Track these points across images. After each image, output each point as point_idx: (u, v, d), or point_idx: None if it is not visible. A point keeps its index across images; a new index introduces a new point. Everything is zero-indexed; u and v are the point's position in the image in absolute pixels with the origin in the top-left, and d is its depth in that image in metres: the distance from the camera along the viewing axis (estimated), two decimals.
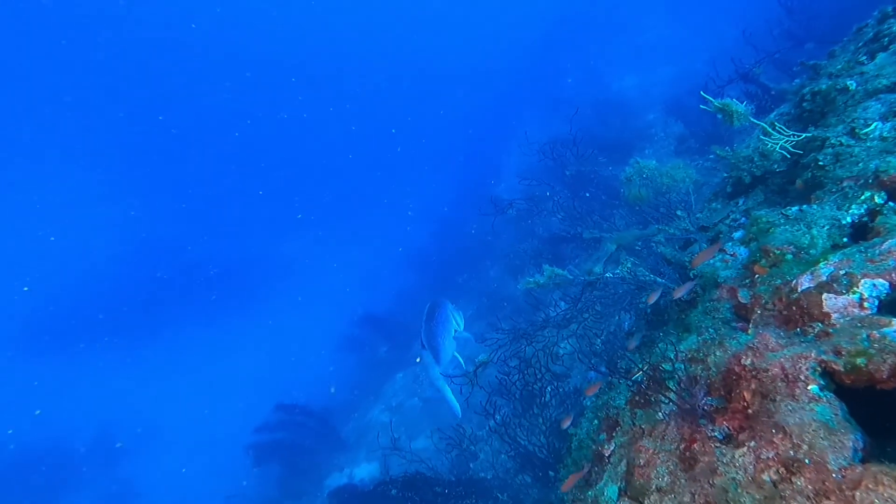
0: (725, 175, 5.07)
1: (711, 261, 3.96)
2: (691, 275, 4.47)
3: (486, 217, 22.02)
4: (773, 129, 3.89)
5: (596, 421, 4.04)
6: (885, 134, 3.31)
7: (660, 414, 3.15)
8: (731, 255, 3.84)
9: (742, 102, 3.91)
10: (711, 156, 10.22)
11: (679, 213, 5.35)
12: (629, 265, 4.92)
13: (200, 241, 34.65)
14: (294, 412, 15.31)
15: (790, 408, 2.22)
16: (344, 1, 47.72)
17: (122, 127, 41.20)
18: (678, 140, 12.32)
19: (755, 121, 3.95)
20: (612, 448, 3.47)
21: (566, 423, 4.54)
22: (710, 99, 3.93)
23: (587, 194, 13.27)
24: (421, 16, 47.58)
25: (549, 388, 8.61)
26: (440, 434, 12.76)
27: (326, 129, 45.19)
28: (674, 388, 3.16)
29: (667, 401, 3.10)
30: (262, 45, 45.07)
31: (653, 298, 4.30)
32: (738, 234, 4.02)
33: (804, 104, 4.36)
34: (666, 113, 14.10)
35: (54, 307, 30.79)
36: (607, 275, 5.00)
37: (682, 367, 3.18)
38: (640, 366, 4.01)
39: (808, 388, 2.23)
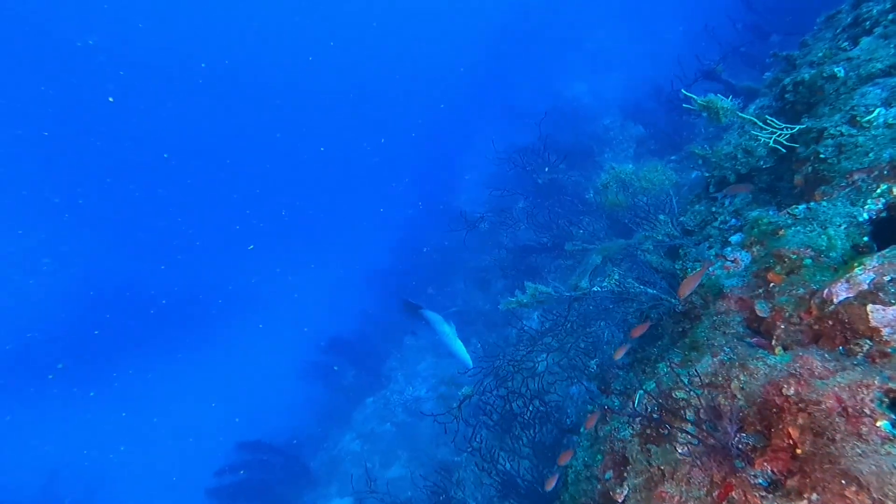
0: (707, 174, 4.80)
1: (711, 268, 3.61)
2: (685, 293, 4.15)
3: (447, 230, 21.72)
4: (764, 122, 3.60)
5: (599, 455, 3.60)
6: (890, 120, 3.05)
7: (679, 451, 2.74)
8: (733, 262, 3.50)
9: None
10: (673, 157, 10.15)
11: (662, 217, 5.04)
12: (616, 277, 4.55)
13: (149, 272, 32.90)
14: (258, 449, 14.41)
15: (858, 451, 1.84)
16: (298, 17, 46.83)
17: (57, 153, 38.84)
18: (637, 142, 12.28)
19: (744, 115, 3.65)
20: (624, 492, 3.04)
21: (564, 460, 4.06)
22: (694, 97, 3.62)
23: (554, 202, 13.02)
24: (368, 31, 47.17)
25: (530, 409, 8.18)
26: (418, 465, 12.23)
27: (278, 149, 44.05)
28: (692, 420, 2.77)
29: (687, 436, 2.69)
30: (206, 61, 43.55)
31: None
32: (736, 238, 3.70)
33: (786, 96, 4.12)
34: (623, 117, 14.09)
35: None
36: (595, 288, 4.60)
37: (700, 393, 2.79)
38: (642, 389, 3.64)
39: (878, 424, 1.85)
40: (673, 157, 10.01)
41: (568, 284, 4.78)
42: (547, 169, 15.62)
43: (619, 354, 3.66)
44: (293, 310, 27.72)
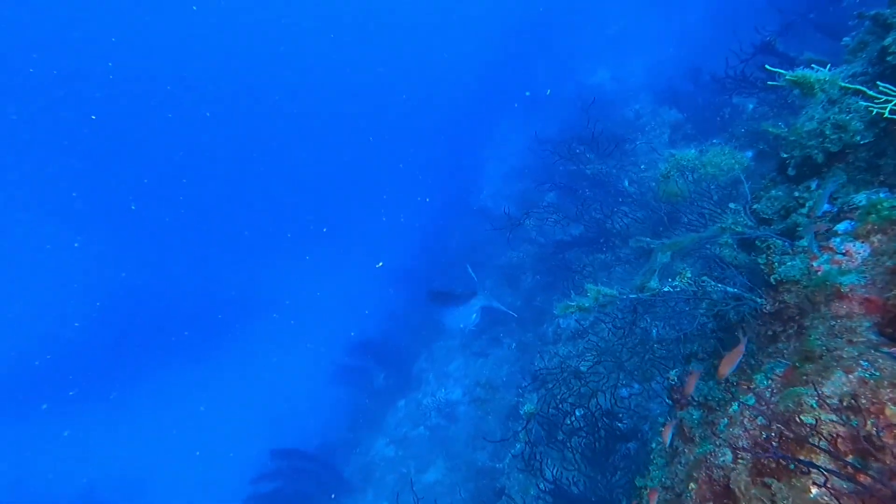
0: (785, 155, 4.26)
1: (818, 262, 3.10)
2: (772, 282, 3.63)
3: (470, 227, 21.25)
4: (864, 93, 3.07)
5: (692, 483, 3.12)
6: None
7: (814, 491, 2.26)
8: (845, 254, 2.99)
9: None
10: (716, 140, 9.53)
11: (732, 206, 4.52)
12: (689, 275, 4.06)
13: (167, 277, 33.00)
14: (292, 457, 14.16)
15: None
16: (308, 10, 46.53)
17: (59, 156, 38.98)
18: (672, 127, 11.66)
19: (851, 85, 3.14)
20: None
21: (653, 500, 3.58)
22: (783, 72, 3.12)
23: (586, 194, 12.46)
24: (379, 24, 46.73)
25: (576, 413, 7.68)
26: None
27: (294, 148, 43.93)
28: (825, 449, 2.28)
29: (825, 474, 2.20)
30: (219, 57, 43.54)
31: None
32: (844, 226, 3.18)
33: (888, 58, 3.59)
34: (655, 101, 13.48)
35: (5, 367, 28.71)
36: (666, 289, 4.12)
37: (836, 418, 2.30)
38: (738, 402, 3.14)
39: None
40: (716, 141, 9.40)
41: (632, 285, 4.27)
42: (572, 160, 15.08)
43: (725, 370, 3.12)
44: (319, 313, 27.52)
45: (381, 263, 24.37)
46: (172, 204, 39.05)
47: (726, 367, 3.10)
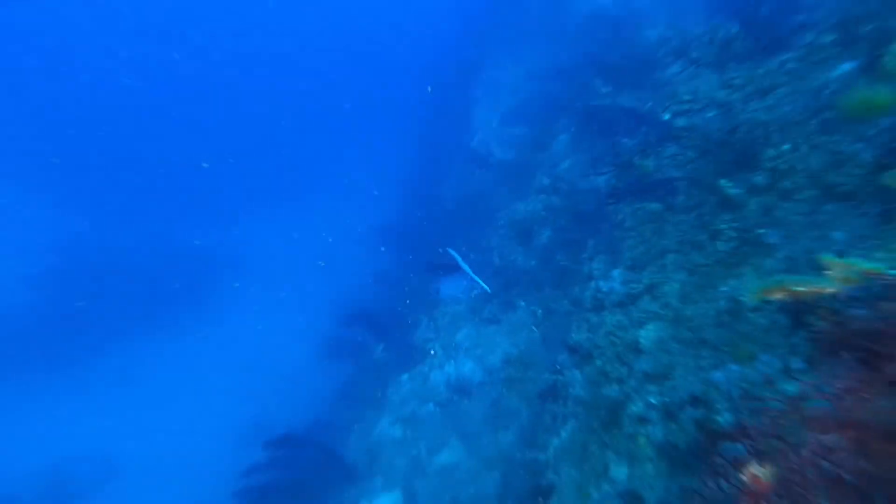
0: None
1: None
2: None
3: (465, 175, 19.41)
4: None
5: None
6: None
7: None
8: None
9: None
10: (786, 56, 7.81)
11: None
12: None
13: (132, 238, 30.39)
14: (285, 444, 12.73)
15: None
16: None
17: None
18: (720, 45, 9.86)
19: None
20: None
21: None
22: None
23: (611, 131, 10.74)
24: None
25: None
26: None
27: (263, 94, 40.91)
28: None
29: None
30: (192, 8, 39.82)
31: None
32: None
33: None
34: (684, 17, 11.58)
35: None
36: None
37: None
38: None
39: None
40: (786, 56, 7.68)
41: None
42: (591, 93, 13.30)
43: None
44: (299, 279, 25.68)
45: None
46: (129, 158, 36.18)
47: None
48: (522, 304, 12.23)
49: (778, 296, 2.74)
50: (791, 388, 4.25)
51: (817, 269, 4.24)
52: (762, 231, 5.53)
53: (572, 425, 7.23)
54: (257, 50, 42.58)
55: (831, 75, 6.43)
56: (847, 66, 6.13)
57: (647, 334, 6.49)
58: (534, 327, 11.55)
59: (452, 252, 11.25)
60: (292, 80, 41.48)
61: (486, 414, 11.06)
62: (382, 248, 19.83)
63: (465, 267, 10.94)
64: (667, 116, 9.12)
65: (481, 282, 11.11)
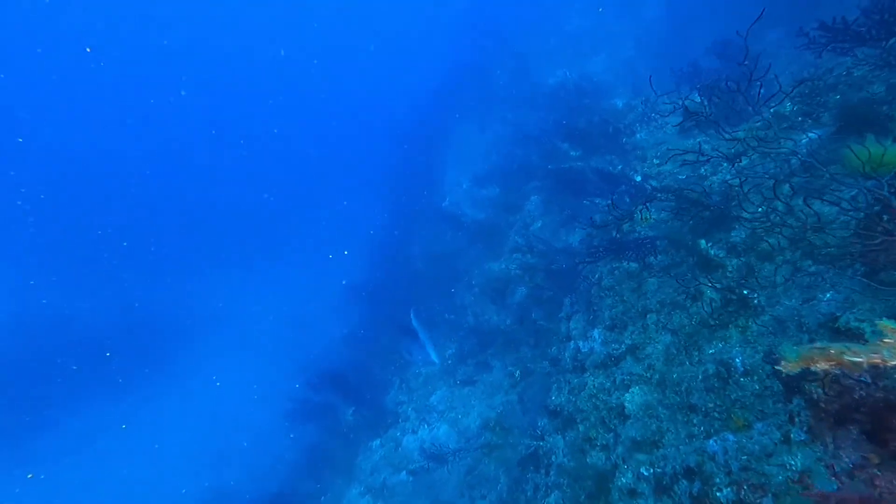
0: None
1: None
2: None
3: (435, 235, 19.43)
4: None
5: None
6: None
7: None
8: None
9: None
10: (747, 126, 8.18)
11: None
12: None
13: (81, 299, 28.97)
14: None
15: None
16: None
17: None
18: (684, 115, 10.31)
19: None
20: None
21: None
22: None
23: (581, 193, 10.95)
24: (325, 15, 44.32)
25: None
26: None
27: (233, 154, 40.77)
28: None
29: None
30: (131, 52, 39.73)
31: None
32: None
33: None
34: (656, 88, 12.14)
35: None
36: None
37: None
38: None
39: None
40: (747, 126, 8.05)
41: None
42: (560, 157, 13.64)
43: None
44: (263, 339, 24.76)
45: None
46: (90, 217, 35.11)
47: None
48: (498, 364, 11.95)
49: (822, 365, 2.59)
50: (794, 461, 4.10)
51: (834, 334, 4.20)
52: (746, 292, 5.53)
53: (556, 497, 6.86)
54: (228, 109, 42.79)
55: (800, 141, 6.72)
56: (814, 135, 6.40)
57: (633, 398, 6.31)
58: (510, 389, 11.25)
59: (413, 318, 11.26)
60: (265, 142, 41.62)
61: (462, 482, 10.51)
62: (351, 309, 19.37)
63: (422, 334, 10.92)
64: (638, 178, 9.35)
65: (432, 352, 11.02)
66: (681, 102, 10.20)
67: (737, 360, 5.14)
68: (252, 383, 20.98)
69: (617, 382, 6.86)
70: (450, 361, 12.91)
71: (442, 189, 22.02)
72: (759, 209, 6.24)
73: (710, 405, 5.20)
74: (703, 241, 6.35)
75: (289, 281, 30.74)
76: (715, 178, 7.45)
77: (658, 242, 6.91)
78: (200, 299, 31.57)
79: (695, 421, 5.29)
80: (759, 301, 5.38)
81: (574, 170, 11.87)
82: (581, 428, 7.04)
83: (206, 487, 16.38)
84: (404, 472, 11.70)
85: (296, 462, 15.10)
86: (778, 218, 5.79)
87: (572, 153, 13.43)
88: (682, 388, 5.65)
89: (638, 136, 11.18)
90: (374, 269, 22.11)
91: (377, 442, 12.86)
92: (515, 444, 8.59)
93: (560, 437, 7.48)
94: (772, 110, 7.46)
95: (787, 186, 5.93)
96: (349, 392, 14.68)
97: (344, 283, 22.40)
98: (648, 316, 6.92)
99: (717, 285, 5.97)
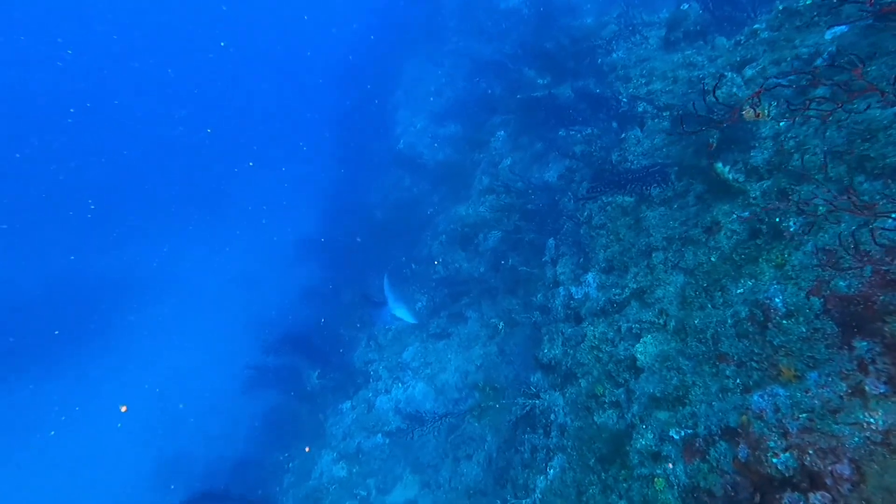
0: None
1: None
2: None
3: (394, 180, 18.12)
4: None
5: None
6: None
7: None
8: None
9: None
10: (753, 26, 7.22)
11: None
12: None
13: (11, 270, 26.44)
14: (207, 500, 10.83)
15: None
16: None
17: None
18: (668, 25, 9.26)
19: None
20: None
21: None
22: None
23: (556, 122, 9.94)
24: None
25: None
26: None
27: (168, 99, 37.48)
28: None
29: None
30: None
31: None
32: None
33: None
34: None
35: None
36: None
37: None
38: None
39: None
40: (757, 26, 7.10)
41: None
42: (528, 85, 12.50)
43: None
44: (215, 301, 23.18)
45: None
46: (17, 183, 31.90)
47: None
48: (474, 315, 11.15)
49: None
50: (873, 418, 3.40)
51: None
52: (778, 219, 4.72)
53: (561, 461, 6.18)
54: (162, 52, 38.99)
55: (823, 37, 5.83)
56: (841, 28, 5.52)
57: (645, 348, 5.56)
58: (488, 341, 10.52)
59: (386, 282, 10.40)
60: (200, 86, 38.30)
61: (445, 442, 9.85)
62: (309, 266, 18.08)
63: (395, 298, 10.07)
64: (624, 100, 8.36)
65: (408, 315, 10.22)
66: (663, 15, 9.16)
67: (776, 299, 4.38)
68: (204, 351, 19.64)
69: (622, 331, 6.10)
70: (422, 314, 12.02)
71: (395, 131, 20.49)
72: (781, 123, 5.40)
73: (746, 354, 4.47)
74: (719, 164, 5.47)
75: (236, 240, 28.86)
76: (719, 92, 6.53)
77: (668, 170, 5.99)
78: (140, 264, 29.38)
79: (727, 373, 4.56)
80: (796, 229, 4.58)
81: (543, 99, 10.76)
82: (583, 383, 6.31)
83: (158, 457, 15.30)
84: (380, 435, 10.97)
85: (259, 429, 14.19)
86: (809, 129, 4.95)
87: (540, 81, 12.27)
88: (708, 336, 4.90)
89: (615, 55, 10.10)
90: (330, 222, 20.69)
91: (347, 405, 12.02)
92: (505, 404, 7.84)
93: (558, 393, 6.75)
94: (781, 6, 6.51)
95: (819, 90, 5.06)
96: (312, 353, 13.69)
97: (295, 239, 20.93)
98: (654, 255, 6.11)
99: (741, 213, 5.16)
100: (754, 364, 4.35)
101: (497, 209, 10.98)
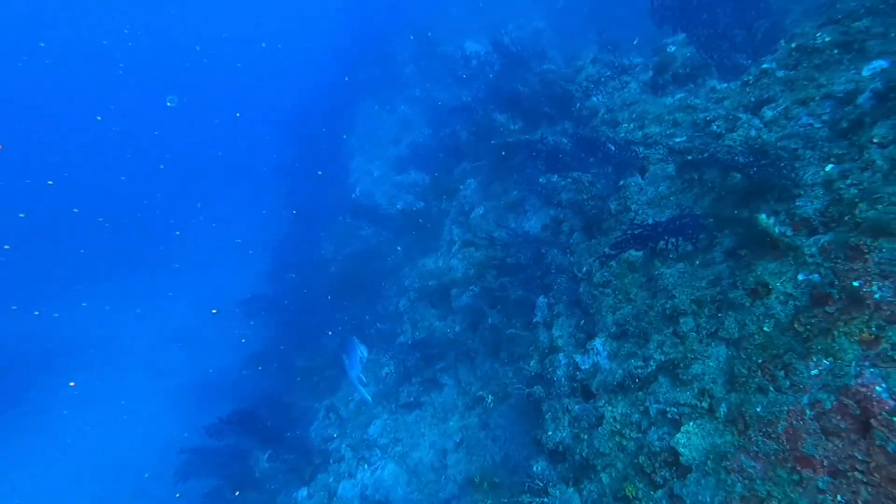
0: None
1: None
2: None
3: (348, 231, 16.91)
4: None
5: None
6: None
7: None
8: None
9: None
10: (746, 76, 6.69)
11: None
12: None
13: None
14: None
15: None
16: None
17: None
18: (655, 69, 8.74)
19: None
20: None
21: None
22: None
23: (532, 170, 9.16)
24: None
25: None
26: None
27: (106, 147, 35.11)
28: None
29: None
30: None
31: None
32: None
33: None
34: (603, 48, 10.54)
35: None
36: None
37: None
38: None
39: None
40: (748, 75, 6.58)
41: None
42: (498, 132, 11.79)
43: None
44: (149, 365, 20.79)
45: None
46: None
47: None
48: (450, 381, 9.91)
49: None
50: None
51: None
52: (857, 283, 3.87)
53: None
54: (99, 98, 36.90)
55: (860, 73, 5.22)
56: (879, 64, 4.92)
57: (689, 440, 4.53)
58: (466, 412, 9.30)
59: (353, 344, 9.13)
60: (143, 129, 36.28)
61: None
62: (253, 325, 16.36)
63: (350, 369, 8.83)
64: (614, 146, 7.62)
65: (363, 390, 9.01)
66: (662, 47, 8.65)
67: (877, 388, 3.46)
68: (132, 430, 17.23)
69: (652, 415, 5.06)
70: (389, 381, 10.68)
71: (350, 180, 19.42)
72: (828, 167, 4.68)
73: (842, 459, 3.50)
74: (762, 216, 4.65)
75: (175, 298, 26.55)
76: (735, 135, 5.85)
77: (702, 221, 5.13)
78: (64, 323, 26.48)
79: (820, 485, 3.56)
80: (881, 295, 3.74)
81: (522, 143, 10.02)
82: (605, 479, 5.19)
83: None
84: None
85: None
86: (876, 174, 4.22)
87: (512, 126, 11.60)
88: (780, 430, 3.92)
89: (595, 98, 9.53)
90: (277, 280, 19.08)
91: (304, 492, 10.32)
92: (501, 498, 6.57)
93: (573, 490, 5.58)
94: (793, 45, 5.97)
95: (878, 128, 4.38)
96: (260, 429, 11.93)
97: (239, 298, 19.12)
98: (682, 321, 5.18)
99: (797, 276, 4.31)
100: (859, 475, 3.38)
101: (473, 263, 9.96)
